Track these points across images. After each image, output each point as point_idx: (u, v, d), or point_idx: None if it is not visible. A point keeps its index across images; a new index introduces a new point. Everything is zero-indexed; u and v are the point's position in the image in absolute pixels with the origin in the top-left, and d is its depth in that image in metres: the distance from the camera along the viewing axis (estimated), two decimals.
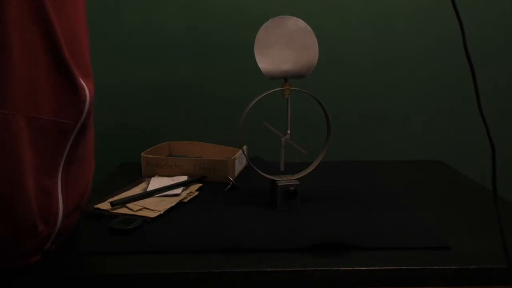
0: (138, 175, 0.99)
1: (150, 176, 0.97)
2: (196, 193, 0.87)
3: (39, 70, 0.53)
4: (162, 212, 0.76)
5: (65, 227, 0.62)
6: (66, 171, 0.59)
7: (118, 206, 0.78)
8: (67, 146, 0.57)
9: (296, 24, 0.75)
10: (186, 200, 0.83)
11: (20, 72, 0.51)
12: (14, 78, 0.50)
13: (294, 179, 0.79)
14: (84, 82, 0.58)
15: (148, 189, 0.85)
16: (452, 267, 0.59)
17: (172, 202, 0.80)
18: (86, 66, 0.61)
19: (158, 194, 0.84)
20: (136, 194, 0.82)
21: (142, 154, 0.99)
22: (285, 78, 0.77)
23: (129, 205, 0.79)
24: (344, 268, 0.59)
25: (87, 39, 0.64)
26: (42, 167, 0.55)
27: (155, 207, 0.78)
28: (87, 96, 0.57)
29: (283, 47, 0.75)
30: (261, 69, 0.76)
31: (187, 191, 0.87)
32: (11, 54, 0.50)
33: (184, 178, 0.93)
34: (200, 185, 0.92)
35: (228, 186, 0.91)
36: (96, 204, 0.78)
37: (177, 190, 0.86)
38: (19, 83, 0.51)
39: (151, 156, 0.99)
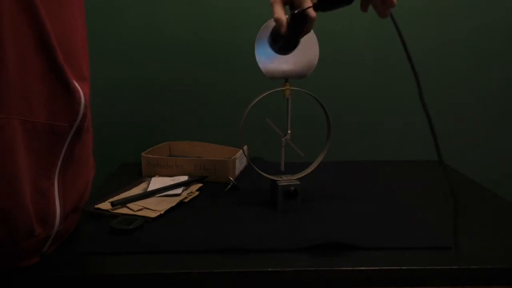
0: (138, 175, 0.99)
1: (151, 176, 0.97)
2: (197, 193, 0.87)
3: (32, 73, 0.53)
4: (162, 212, 0.76)
5: (63, 229, 0.62)
6: (63, 174, 0.59)
7: (119, 206, 0.78)
8: (63, 149, 0.57)
9: None
10: (186, 200, 0.83)
11: (13, 76, 0.51)
12: (7, 81, 0.50)
13: (295, 179, 0.79)
14: (79, 84, 0.58)
15: (148, 189, 0.85)
16: (452, 267, 0.59)
17: (173, 202, 0.80)
18: (81, 69, 0.60)
19: (159, 194, 0.84)
20: (137, 194, 0.82)
21: (143, 154, 0.99)
22: (285, 78, 0.77)
23: (129, 205, 0.79)
24: (344, 268, 0.59)
25: (84, 42, 0.63)
26: (38, 170, 0.55)
27: (155, 207, 0.78)
28: (81, 99, 0.57)
29: None
30: (261, 69, 0.76)
31: (188, 191, 0.87)
32: (4, 57, 0.49)
33: (184, 178, 0.93)
34: (201, 185, 0.92)
35: (229, 186, 0.91)
36: (97, 204, 0.78)
37: (178, 190, 0.86)
38: (12, 86, 0.51)
39: (152, 156, 0.99)
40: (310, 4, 0.61)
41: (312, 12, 0.62)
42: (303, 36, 0.66)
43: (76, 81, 0.57)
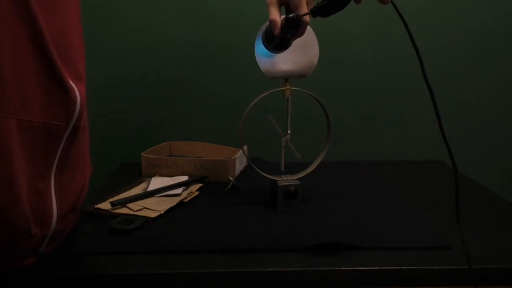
0: (138, 175, 0.99)
1: (151, 176, 0.97)
2: (197, 193, 0.87)
3: (28, 73, 0.53)
4: (162, 212, 0.76)
5: (61, 229, 0.62)
6: (59, 173, 0.59)
7: (119, 206, 0.78)
8: (59, 148, 0.57)
9: None
10: (186, 200, 0.83)
11: (9, 75, 0.51)
12: (3, 81, 0.50)
13: (295, 179, 0.79)
14: (75, 84, 0.58)
15: (148, 189, 0.85)
16: (452, 267, 0.59)
17: (173, 202, 0.80)
18: (77, 69, 0.60)
19: (159, 194, 0.84)
20: (137, 194, 0.82)
21: (143, 154, 0.99)
22: (285, 78, 0.77)
23: (129, 205, 0.79)
24: (344, 268, 0.59)
25: (81, 42, 0.63)
26: (34, 170, 0.55)
27: (155, 207, 0.78)
28: (77, 98, 0.57)
29: None
30: (261, 69, 0.76)
31: (188, 191, 0.87)
32: (0, 56, 0.50)
33: (184, 178, 0.93)
34: (201, 185, 0.92)
35: (229, 186, 0.91)
36: (97, 204, 0.78)
37: (178, 190, 0.86)
38: (8, 86, 0.51)
39: (152, 156, 0.99)
40: (306, 11, 0.62)
41: (306, 18, 0.62)
42: (295, 39, 0.67)
43: (72, 81, 0.57)
